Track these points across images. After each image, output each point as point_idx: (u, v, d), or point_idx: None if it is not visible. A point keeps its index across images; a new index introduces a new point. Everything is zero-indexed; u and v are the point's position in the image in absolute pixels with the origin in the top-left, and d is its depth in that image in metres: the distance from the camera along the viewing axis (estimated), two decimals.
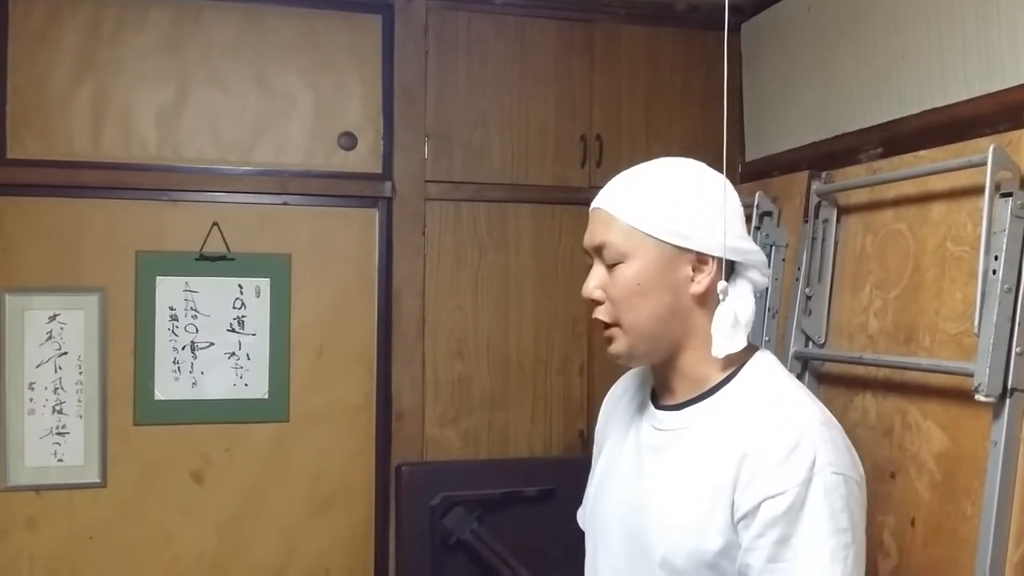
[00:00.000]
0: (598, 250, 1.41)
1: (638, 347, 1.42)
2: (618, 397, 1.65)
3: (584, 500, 1.65)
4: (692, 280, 1.39)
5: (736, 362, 1.41)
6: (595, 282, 1.42)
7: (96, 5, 2.60)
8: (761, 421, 1.32)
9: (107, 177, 2.61)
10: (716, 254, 1.38)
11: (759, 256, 1.43)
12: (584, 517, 1.64)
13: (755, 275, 1.43)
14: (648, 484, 1.43)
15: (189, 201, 2.68)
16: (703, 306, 1.40)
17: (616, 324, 1.41)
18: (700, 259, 1.38)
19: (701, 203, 1.39)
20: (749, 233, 2.24)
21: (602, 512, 1.53)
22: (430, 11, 2.81)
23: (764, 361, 1.43)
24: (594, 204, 1.44)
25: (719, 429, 1.36)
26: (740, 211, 1.44)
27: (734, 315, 1.38)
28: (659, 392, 1.49)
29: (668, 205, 1.38)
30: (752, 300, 1.42)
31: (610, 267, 1.40)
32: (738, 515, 1.29)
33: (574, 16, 2.92)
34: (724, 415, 1.37)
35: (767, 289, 2.24)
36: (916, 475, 1.80)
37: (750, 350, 1.43)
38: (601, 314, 1.42)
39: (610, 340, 1.43)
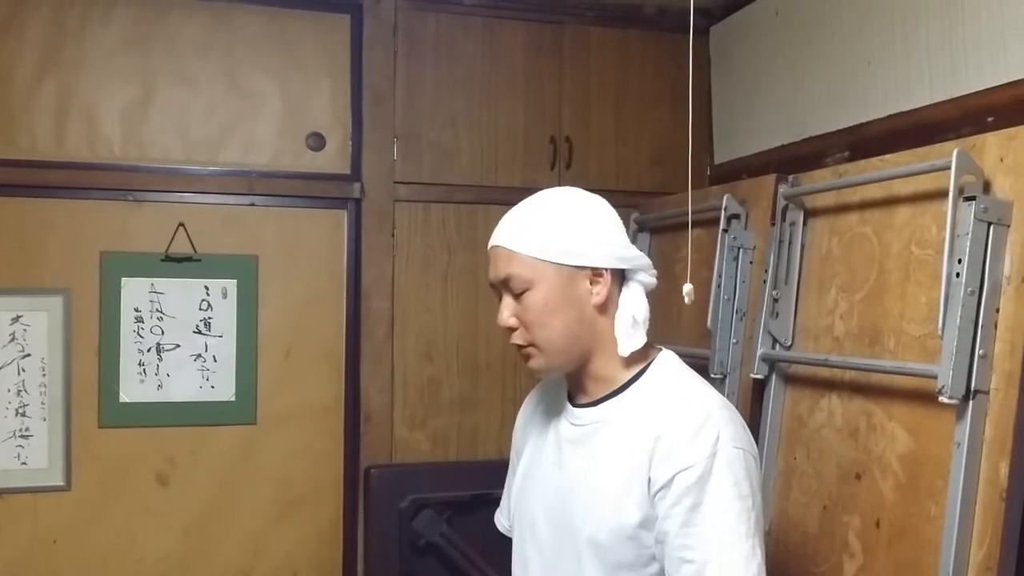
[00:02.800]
0: (504, 283, 1.54)
1: (555, 360, 1.55)
2: (535, 404, 1.78)
3: (502, 503, 1.84)
4: (592, 292, 1.53)
5: (642, 361, 1.57)
6: (507, 312, 1.54)
7: (60, 0, 2.57)
8: (670, 407, 1.48)
9: (71, 177, 2.58)
10: (608, 266, 1.53)
11: (644, 260, 1.57)
12: (502, 518, 1.83)
13: (644, 277, 1.57)
14: (570, 473, 1.57)
15: (154, 201, 2.65)
16: (604, 313, 1.55)
17: (532, 345, 1.54)
18: (595, 273, 1.52)
19: (587, 223, 1.53)
20: (717, 236, 2.29)
21: (527, 504, 1.66)
22: (399, 11, 2.81)
23: (667, 359, 1.58)
24: (492, 243, 1.57)
25: (633, 418, 1.51)
26: (621, 224, 1.58)
27: (632, 317, 1.54)
28: (574, 393, 1.63)
29: (559, 231, 1.51)
30: (645, 300, 1.57)
31: (517, 296, 1.52)
32: (654, 489, 1.44)
33: (543, 18, 2.93)
34: (637, 406, 1.52)
35: (743, 289, 2.27)
36: (881, 476, 1.81)
37: (654, 350, 1.59)
38: (518, 339, 1.55)
39: (528, 358, 1.57)
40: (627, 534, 1.46)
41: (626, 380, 1.56)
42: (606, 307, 1.54)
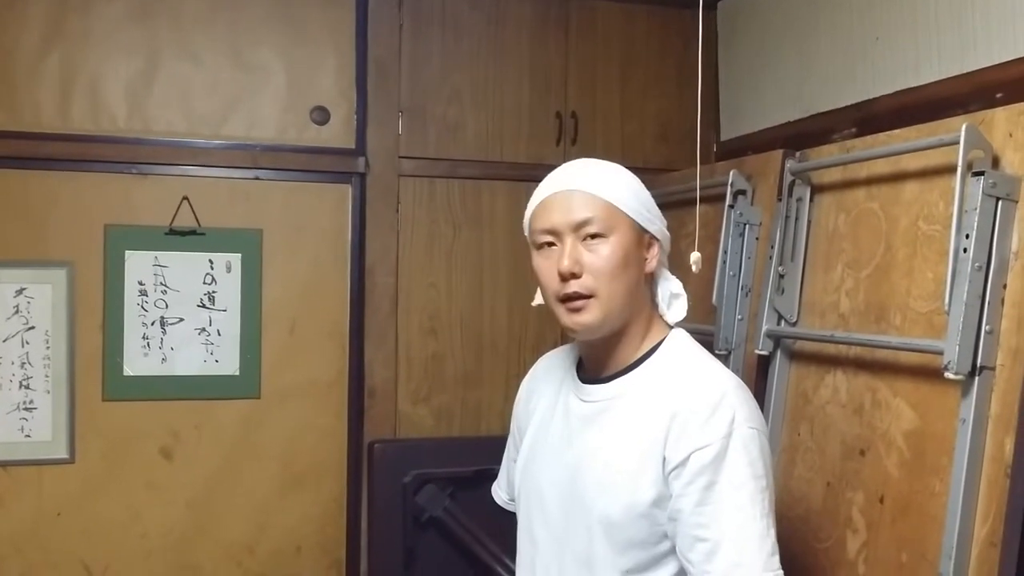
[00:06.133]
0: (579, 227, 1.49)
1: (609, 316, 1.50)
2: (540, 378, 1.76)
3: (500, 476, 1.86)
4: (646, 258, 1.55)
5: (655, 338, 1.57)
6: (573, 257, 1.48)
7: None
8: (686, 386, 1.48)
9: (75, 149, 2.57)
10: (661, 237, 1.57)
11: (669, 244, 1.63)
12: (501, 492, 1.85)
13: (664, 258, 1.62)
14: (581, 450, 1.56)
15: (159, 175, 2.65)
16: (648, 283, 1.58)
17: (593, 296, 1.49)
18: (651, 241, 1.56)
19: (646, 193, 1.57)
20: (723, 212, 2.28)
21: (534, 481, 1.65)
22: None
23: (680, 336, 1.59)
24: (565, 187, 1.52)
25: (647, 396, 1.51)
26: None
27: (670, 288, 1.60)
28: (586, 367, 1.63)
29: (635, 191, 1.55)
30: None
31: (588, 239, 1.49)
32: (669, 467, 1.44)
33: None
34: (650, 384, 1.52)
35: (749, 266, 2.28)
36: (885, 452, 1.81)
37: (667, 328, 1.60)
38: (578, 287, 1.48)
39: (578, 311, 1.50)
40: (640, 512, 1.46)
41: (639, 356, 1.56)
42: (651, 277, 1.58)
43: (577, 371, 1.65)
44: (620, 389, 1.55)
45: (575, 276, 1.49)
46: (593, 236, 1.49)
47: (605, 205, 1.50)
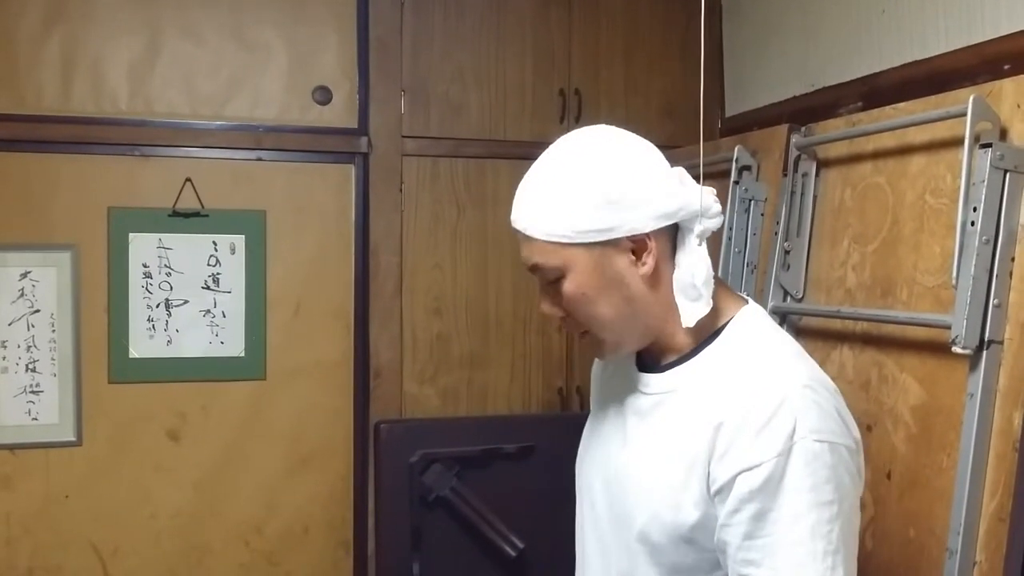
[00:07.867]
0: (534, 271, 1.35)
1: (620, 343, 1.37)
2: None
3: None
4: (637, 264, 1.30)
5: (721, 318, 1.34)
6: (546, 304, 1.37)
7: None
8: (739, 386, 1.24)
9: (77, 131, 2.56)
10: (649, 229, 1.28)
11: (697, 204, 1.30)
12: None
13: (704, 223, 1.32)
14: (631, 450, 1.38)
15: (161, 156, 2.63)
16: (659, 281, 1.32)
17: (586, 330, 1.36)
18: (635, 241, 1.29)
19: (613, 184, 1.28)
20: (727, 188, 2.25)
21: (588, 474, 1.49)
22: None
23: (750, 316, 1.35)
24: (512, 221, 1.36)
25: (699, 394, 1.29)
26: (657, 167, 1.32)
27: (691, 280, 1.30)
28: (644, 355, 1.42)
29: (579, 203, 1.27)
30: (705, 256, 1.31)
31: (552, 283, 1.33)
32: (714, 488, 1.22)
33: None
34: (706, 378, 1.30)
35: (754, 242, 2.26)
36: (892, 428, 1.80)
37: (737, 303, 1.37)
38: (570, 326, 1.38)
39: (590, 345, 1.39)
40: (683, 535, 1.26)
41: (700, 341, 1.34)
42: (660, 274, 1.31)
43: (637, 357, 1.43)
44: (675, 381, 1.33)
45: (561, 317, 1.37)
46: (551, 280, 1.33)
47: (544, 247, 1.30)
